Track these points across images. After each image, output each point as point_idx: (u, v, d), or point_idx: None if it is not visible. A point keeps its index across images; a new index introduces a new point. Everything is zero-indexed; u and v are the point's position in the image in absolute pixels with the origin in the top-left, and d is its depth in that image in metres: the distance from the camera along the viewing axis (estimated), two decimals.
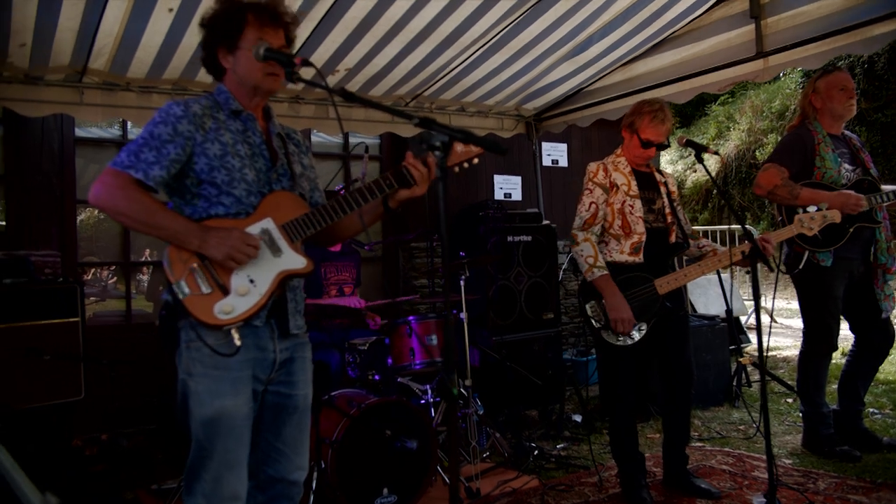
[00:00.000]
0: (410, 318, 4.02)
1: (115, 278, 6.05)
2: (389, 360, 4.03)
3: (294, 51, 4.41)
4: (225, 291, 2.07)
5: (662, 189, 3.75)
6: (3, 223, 5.18)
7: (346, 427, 3.37)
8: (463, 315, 4.10)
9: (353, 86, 5.15)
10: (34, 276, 3.94)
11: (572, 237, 3.71)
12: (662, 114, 3.61)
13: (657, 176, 3.79)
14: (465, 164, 2.37)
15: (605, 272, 3.54)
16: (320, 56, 4.62)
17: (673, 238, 3.71)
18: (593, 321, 3.57)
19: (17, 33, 3.80)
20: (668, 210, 3.71)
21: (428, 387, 4.05)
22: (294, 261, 2.19)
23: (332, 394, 3.72)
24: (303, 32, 4.27)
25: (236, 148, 2.20)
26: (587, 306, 3.59)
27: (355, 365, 4.03)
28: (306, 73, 2.41)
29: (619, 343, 3.53)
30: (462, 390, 4.11)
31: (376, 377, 3.98)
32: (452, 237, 5.62)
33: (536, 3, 4.38)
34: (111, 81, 4.45)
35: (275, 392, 2.26)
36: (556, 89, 5.81)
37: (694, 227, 3.95)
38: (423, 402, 4.02)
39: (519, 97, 5.90)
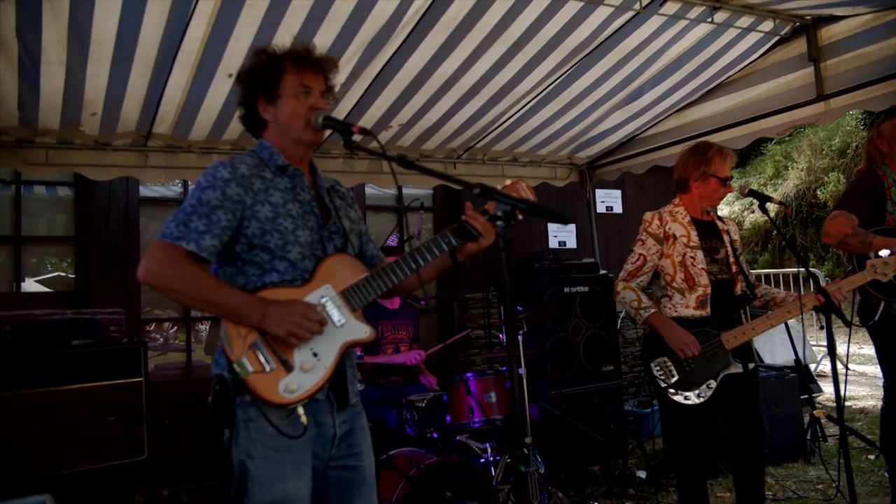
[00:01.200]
0: (468, 375, 3.95)
1: (175, 328, 6.17)
2: (448, 418, 3.97)
3: (349, 107, 4.56)
4: (288, 368, 1.97)
5: (725, 238, 3.62)
6: (73, 281, 5.36)
7: (405, 489, 3.30)
8: (521, 370, 4.02)
9: (407, 140, 5.23)
10: (101, 336, 4.04)
11: (613, 288, 3.64)
12: (727, 151, 3.55)
13: (719, 224, 3.68)
14: (519, 217, 2.32)
15: (654, 310, 3.44)
16: (374, 113, 4.70)
17: (738, 289, 3.58)
18: (660, 381, 3.44)
19: (89, 103, 3.99)
20: (732, 260, 3.58)
21: (488, 445, 3.96)
22: (357, 330, 2.10)
23: (391, 453, 3.66)
24: (357, 91, 4.37)
25: (287, 208, 2.11)
26: (652, 365, 3.46)
27: (413, 422, 3.98)
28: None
29: (687, 403, 3.39)
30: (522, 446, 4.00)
31: (434, 435, 3.91)
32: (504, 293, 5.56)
33: (587, 55, 4.39)
34: (174, 144, 4.61)
35: (339, 467, 2.15)
36: (609, 137, 5.78)
37: (754, 271, 3.79)
38: (482, 461, 3.92)
39: (572, 146, 5.88)
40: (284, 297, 2.02)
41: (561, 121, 5.31)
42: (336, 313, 2.08)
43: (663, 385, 3.42)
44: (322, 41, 3.76)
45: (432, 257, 2.18)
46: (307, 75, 2.18)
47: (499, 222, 1.72)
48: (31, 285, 5.49)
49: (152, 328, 6.03)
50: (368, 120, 4.79)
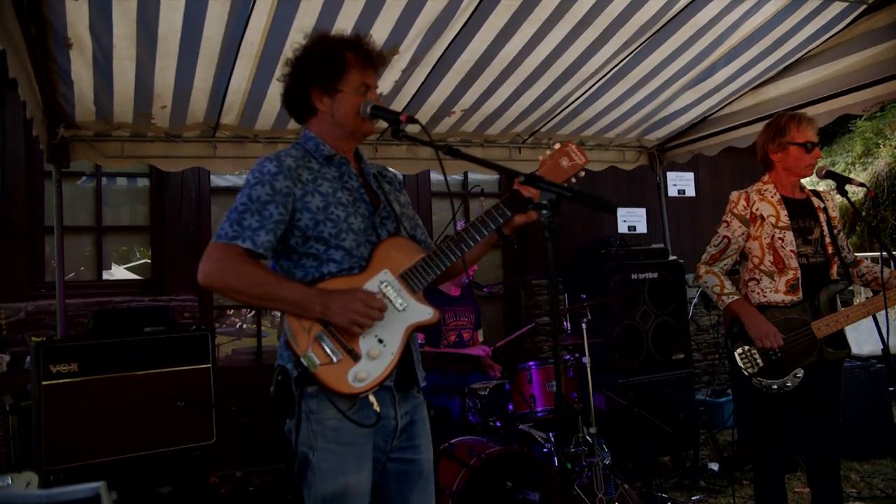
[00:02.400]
0: (531, 363, 3.90)
1: (252, 312, 6.33)
2: (511, 407, 3.93)
3: (411, 93, 4.54)
4: (355, 357, 1.96)
5: (821, 216, 3.39)
6: (150, 268, 5.57)
7: (466, 478, 3.29)
8: (586, 360, 3.94)
9: (470, 126, 5.17)
10: (173, 323, 4.18)
11: (695, 271, 3.50)
12: (802, 116, 3.35)
13: (815, 201, 3.44)
14: (573, 179, 2.23)
15: (738, 296, 3.29)
16: (436, 99, 4.67)
17: (834, 272, 3.37)
18: (744, 369, 3.28)
19: (158, 97, 4.10)
20: (828, 240, 3.37)
21: (551, 435, 3.90)
22: (420, 312, 2.07)
23: (453, 441, 3.65)
24: (418, 77, 4.34)
25: (337, 196, 2.09)
26: (736, 353, 3.31)
27: (476, 411, 3.95)
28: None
29: (773, 390, 3.22)
30: (588, 437, 3.93)
31: (497, 423, 3.88)
32: (573, 277, 5.45)
33: (655, 32, 4.22)
34: (240, 134, 4.70)
35: (398, 459, 2.14)
36: (679, 118, 5.56)
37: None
38: (545, 450, 3.87)
39: (641, 128, 5.70)
40: (344, 287, 2.01)
41: (629, 102, 5.14)
42: (397, 297, 2.06)
43: (747, 374, 3.27)
44: (382, 27, 3.74)
45: (487, 231, 2.13)
46: (369, 73, 2.18)
47: (544, 211, 1.65)
48: (119, 272, 5.75)
49: (231, 313, 6.21)
50: (431, 106, 4.76)
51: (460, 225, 5.43)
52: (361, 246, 2.10)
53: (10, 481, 2.99)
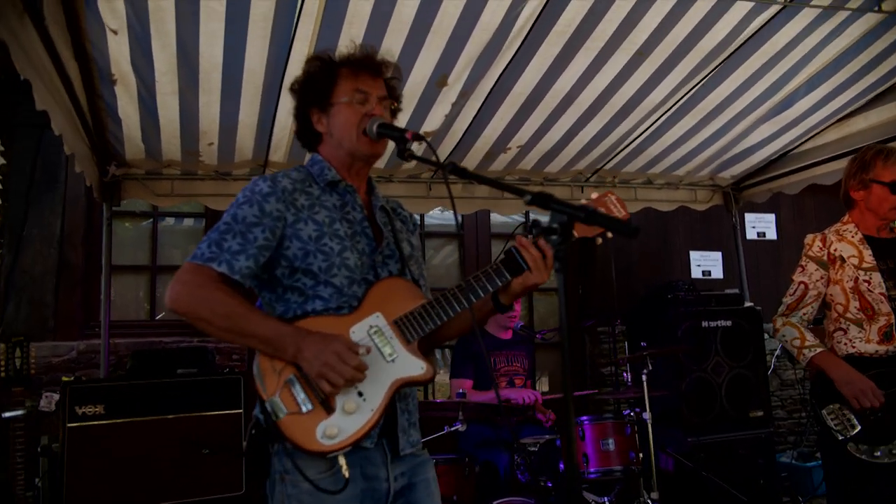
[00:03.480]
0: (584, 418, 3.55)
1: None
2: (562, 465, 3.57)
3: (463, 128, 4.35)
4: (329, 409, 1.71)
5: None
6: None
7: None
8: (646, 415, 3.55)
9: (528, 162, 4.94)
10: (211, 365, 4.05)
11: (771, 324, 3.11)
12: (891, 151, 2.96)
13: None
14: (598, 240, 1.94)
15: (821, 348, 2.87)
16: (490, 135, 4.47)
17: None
18: (837, 432, 2.85)
19: (204, 133, 4.06)
20: None
21: (605, 499, 3.52)
22: (411, 365, 1.81)
23: (498, 502, 3.33)
24: (469, 111, 4.16)
25: (334, 227, 1.88)
26: (824, 412, 2.87)
27: (525, 468, 3.62)
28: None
29: (875, 460, 2.76)
30: (649, 502, 3.53)
31: (548, 483, 3.53)
32: (637, 323, 5.05)
33: (725, 59, 3.90)
34: None
35: None
36: (756, 154, 5.16)
37: None
38: None
39: (713, 165, 5.32)
40: (327, 328, 1.77)
41: (698, 136, 4.80)
42: (387, 346, 1.81)
43: (841, 438, 2.82)
44: (428, 58, 3.59)
45: (483, 293, 1.87)
46: (363, 80, 1.97)
47: (553, 237, 1.38)
48: (172, 313, 5.71)
49: None
50: (485, 142, 4.56)
51: None
52: (355, 284, 1.87)
53: None
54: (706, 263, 6.53)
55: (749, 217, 6.70)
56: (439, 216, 6.32)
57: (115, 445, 3.51)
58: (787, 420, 6.35)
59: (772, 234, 6.83)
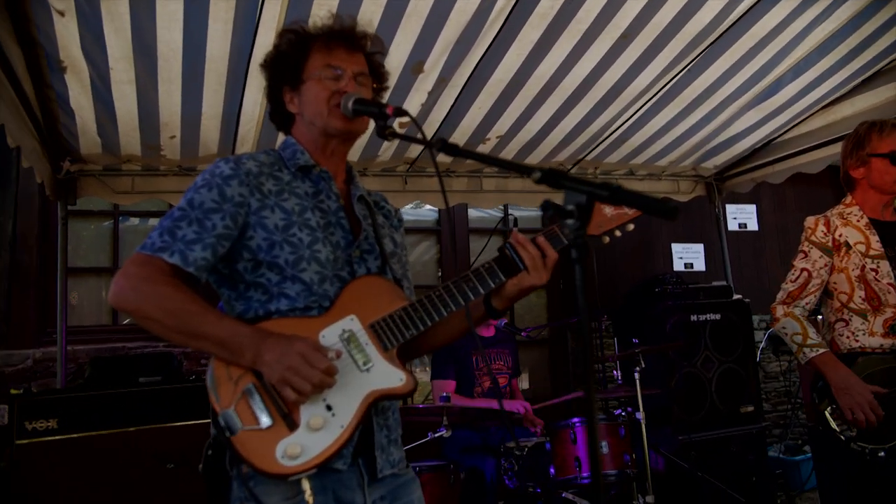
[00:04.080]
0: (575, 420, 3.38)
1: None
2: (552, 470, 3.40)
3: (440, 118, 4.15)
4: (291, 424, 1.50)
5: None
6: None
7: None
8: (640, 415, 3.39)
9: (508, 153, 4.76)
10: (177, 372, 3.78)
11: (770, 312, 2.94)
12: (884, 123, 2.81)
13: None
14: (617, 233, 1.79)
15: (824, 349, 2.71)
16: (468, 124, 4.28)
17: None
18: (840, 432, 2.66)
19: (165, 126, 3.81)
20: None
21: None
22: (388, 376, 1.60)
23: None
24: (447, 99, 3.97)
25: (305, 217, 1.67)
26: (827, 413, 2.71)
27: (513, 473, 3.44)
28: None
29: (880, 458, 2.60)
30: None
31: (537, 490, 3.36)
32: (624, 319, 4.90)
33: (711, 44, 3.75)
34: None
35: None
36: (740, 143, 5.03)
37: None
38: None
39: (696, 155, 5.19)
40: (293, 331, 1.55)
41: (682, 125, 4.66)
42: (360, 354, 1.60)
43: (844, 438, 2.66)
44: (403, 43, 3.39)
45: (473, 294, 1.67)
46: (337, 54, 1.76)
47: (569, 220, 1.18)
48: None
49: None
50: (463, 132, 4.36)
51: None
52: (327, 281, 1.65)
53: None
54: (688, 256, 6.41)
55: (730, 208, 6.59)
56: (413, 212, 6.12)
57: (71, 463, 3.22)
58: (772, 413, 6.26)
59: (753, 226, 6.73)
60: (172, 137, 3.92)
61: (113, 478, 3.27)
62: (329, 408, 1.54)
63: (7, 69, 2.80)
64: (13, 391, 3.22)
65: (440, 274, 6.02)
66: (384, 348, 1.62)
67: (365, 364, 1.60)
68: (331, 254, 1.67)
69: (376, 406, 1.64)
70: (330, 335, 1.60)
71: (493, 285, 1.69)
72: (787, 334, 2.82)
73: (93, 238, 5.18)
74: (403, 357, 1.69)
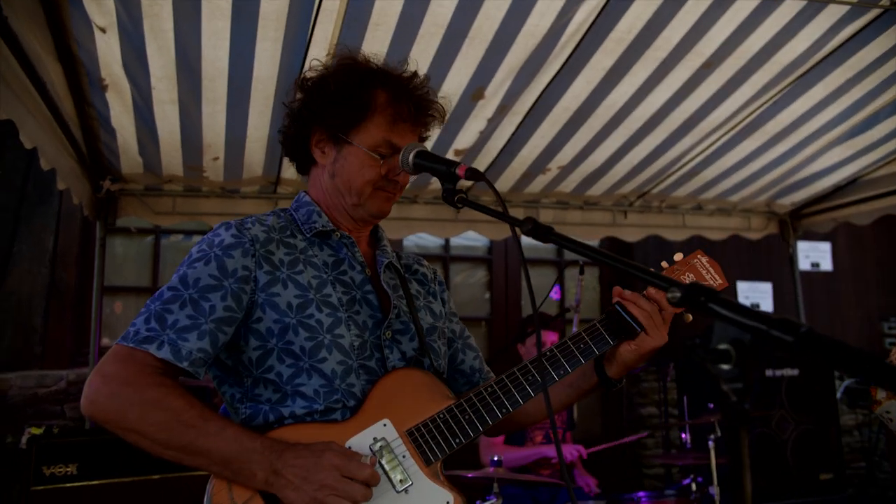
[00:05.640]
0: (641, 494, 3.03)
1: None
2: None
3: (498, 146, 3.86)
4: None
5: None
6: None
7: None
8: (713, 489, 3.02)
9: (568, 185, 4.46)
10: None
11: (870, 394, 2.55)
12: None
13: None
14: (688, 317, 1.50)
15: None
16: (528, 154, 3.99)
17: None
18: None
19: (208, 147, 3.61)
20: None
21: None
22: (432, 500, 1.31)
23: None
24: (507, 128, 3.69)
25: (324, 292, 1.40)
26: None
27: None
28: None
29: None
30: None
31: None
32: (693, 375, 4.47)
33: (803, 74, 3.39)
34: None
35: None
36: (822, 180, 4.63)
37: None
38: None
39: (773, 191, 4.79)
40: (311, 440, 1.28)
41: (761, 160, 4.28)
42: (398, 470, 1.31)
43: None
44: (463, 68, 3.13)
45: (572, 367, 1.41)
46: (400, 131, 1.47)
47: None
48: None
49: None
50: (522, 162, 4.08)
51: (556, 291, 4.67)
52: (352, 374, 1.37)
53: None
54: (755, 296, 5.99)
55: (802, 246, 6.14)
56: (465, 237, 5.84)
57: None
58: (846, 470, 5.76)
59: (827, 265, 6.26)
60: (216, 159, 3.72)
61: None
62: None
63: (42, 90, 2.61)
64: (33, 430, 3.02)
65: (489, 302, 5.72)
66: (426, 462, 1.34)
67: (402, 483, 1.30)
68: (356, 338, 1.39)
69: None
70: (358, 446, 1.31)
71: (583, 361, 1.43)
72: (892, 420, 2.44)
73: (134, 255, 5.03)
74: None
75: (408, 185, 4.19)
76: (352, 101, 1.46)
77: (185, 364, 1.28)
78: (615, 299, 1.46)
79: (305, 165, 1.61)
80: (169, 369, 1.28)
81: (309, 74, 1.54)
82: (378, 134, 1.45)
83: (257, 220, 1.45)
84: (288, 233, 1.47)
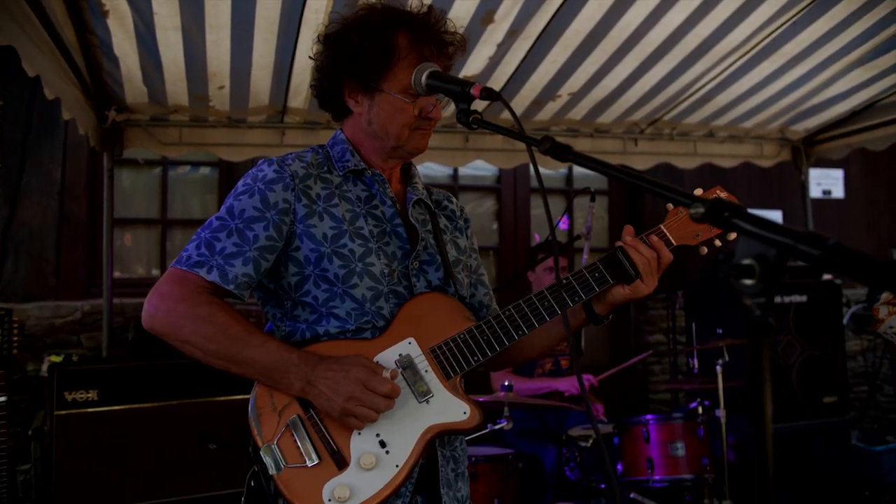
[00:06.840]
0: (649, 417, 3.10)
1: None
2: (619, 467, 3.14)
3: (508, 72, 3.79)
4: (341, 463, 1.37)
5: None
6: None
7: None
8: (720, 412, 3.08)
9: (578, 112, 4.38)
10: None
11: (872, 314, 2.59)
12: None
13: None
14: (704, 249, 1.61)
15: None
16: (538, 80, 3.91)
17: None
18: None
19: (214, 75, 3.55)
20: None
21: None
22: (450, 409, 1.44)
23: None
24: (517, 53, 3.60)
25: (357, 225, 1.51)
26: None
27: (575, 465, 3.20)
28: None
29: None
30: None
31: (602, 486, 3.11)
32: (702, 302, 4.46)
33: None
34: (312, 120, 4.11)
35: None
36: (838, 105, 4.53)
37: None
38: None
39: (786, 117, 4.71)
40: (344, 354, 1.40)
41: (776, 84, 4.18)
42: (420, 383, 1.44)
43: None
44: None
45: (571, 302, 1.51)
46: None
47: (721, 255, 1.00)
48: None
49: None
50: (532, 88, 4.00)
51: (564, 221, 4.67)
52: (381, 298, 1.49)
53: None
54: None
55: (814, 173, 6.07)
56: (473, 166, 5.80)
57: (111, 436, 3.09)
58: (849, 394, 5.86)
59: (839, 193, 6.21)
60: (221, 88, 3.67)
61: (154, 452, 3.14)
62: (383, 444, 1.40)
63: (43, 17, 2.56)
64: (53, 357, 3.09)
65: (498, 232, 5.72)
66: (446, 376, 1.46)
67: (424, 395, 1.44)
68: (385, 266, 1.50)
69: (440, 440, 1.48)
70: (385, 361, 1.44)
71: (584, 296, 1.53)
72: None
73: (142, 187, 5.02)
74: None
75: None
76: (375, 51, 1.49)
77: (231, 287, 1.41)
78: (620, 241, 1.54)
79: (341, 115, 1.66)
80: (217, 291, 1.42)
81: (330, 29, 1.58)
82: (405, 78, 1.48)
83: (297, 157, 1.55)
84: (325, 168, 1.56)
